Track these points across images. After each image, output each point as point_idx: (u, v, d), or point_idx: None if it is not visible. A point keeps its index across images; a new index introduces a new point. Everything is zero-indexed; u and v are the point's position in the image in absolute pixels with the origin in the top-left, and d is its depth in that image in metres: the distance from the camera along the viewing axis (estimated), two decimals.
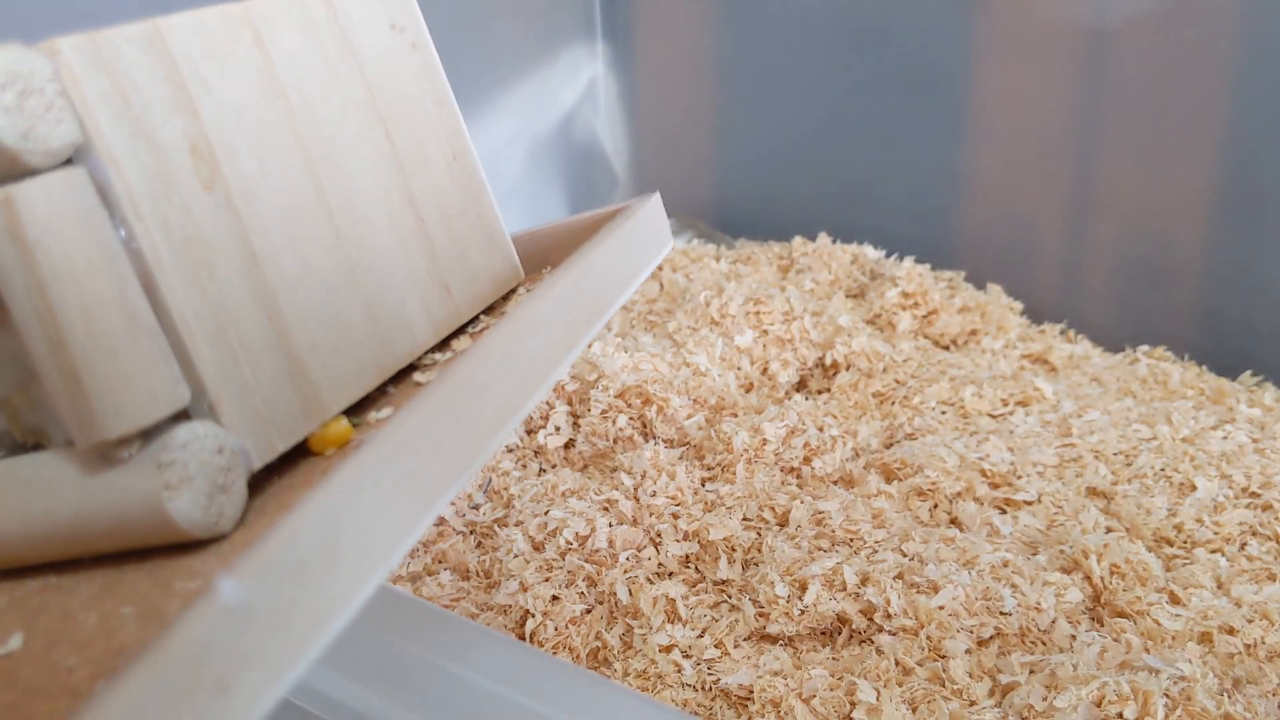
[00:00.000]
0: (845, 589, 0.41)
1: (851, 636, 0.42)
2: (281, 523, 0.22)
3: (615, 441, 0.53)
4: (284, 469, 0.28)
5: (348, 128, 0.32)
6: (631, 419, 0.53)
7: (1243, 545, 0.47)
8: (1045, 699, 0.36)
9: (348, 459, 0.24)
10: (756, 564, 0.45)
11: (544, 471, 0.54)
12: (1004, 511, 0.49)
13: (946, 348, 0.67)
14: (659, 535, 0.46)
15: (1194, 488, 0.50)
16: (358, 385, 0.30)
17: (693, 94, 0.85)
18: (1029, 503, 0.49)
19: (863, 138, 0.78)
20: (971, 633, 0.40)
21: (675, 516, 0.46)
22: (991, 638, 0.41)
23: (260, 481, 0.28)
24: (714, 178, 0.87)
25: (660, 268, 0.76)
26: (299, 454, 0.29)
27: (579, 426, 0.54)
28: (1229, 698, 0.36)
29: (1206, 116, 0.64)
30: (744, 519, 0.47)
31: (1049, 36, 0.68)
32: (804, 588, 0.42)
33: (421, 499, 0.25)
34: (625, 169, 0.90)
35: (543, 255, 0.41)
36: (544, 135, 0.85)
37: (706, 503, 0.48)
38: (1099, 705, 0.35)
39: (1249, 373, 0.63)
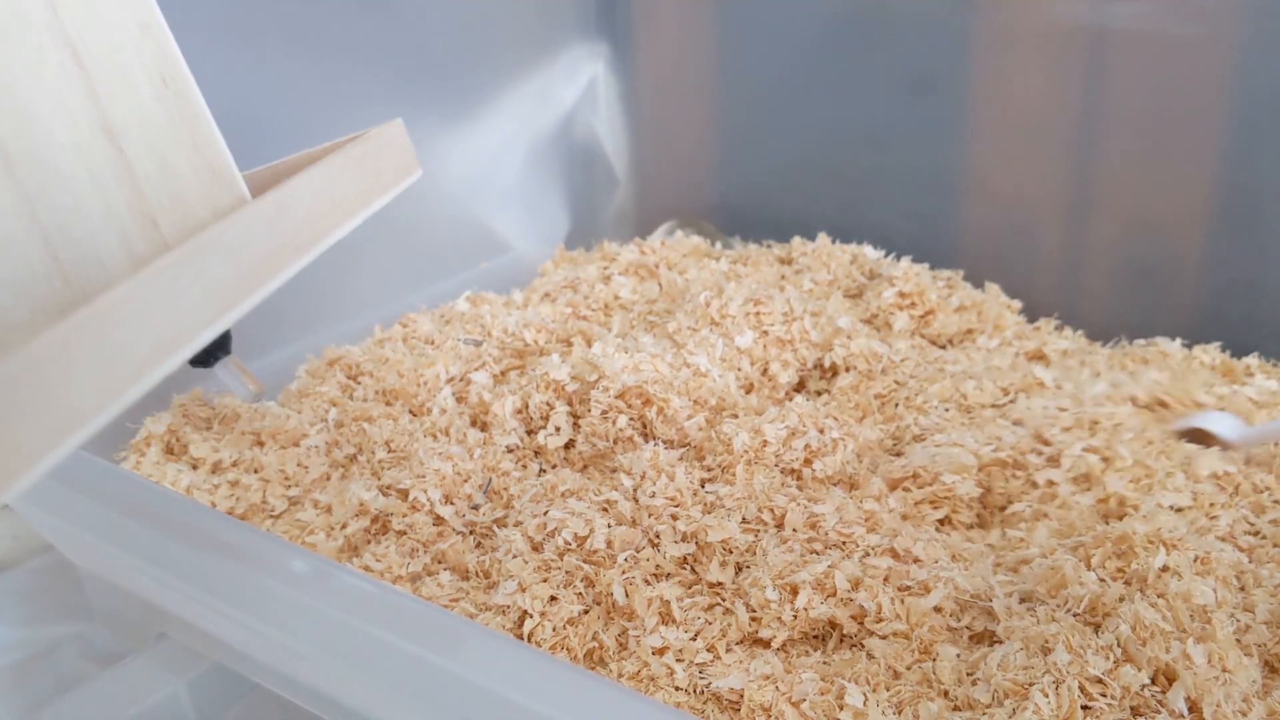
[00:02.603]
0: (835, 594, 0.42)
1: (842, 640, 0.42)
2: None
3: (615, 442, 0.53)
4: None
5: (24, 49, 0.29)
6: (632, 420, 0.53)
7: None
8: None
9: None
10: (749, 567, 0.45)
11: (544, 472, 0.54)
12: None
13: (943, 347, 0.67)
14: (657, 536, 0.46)
15: None
16: (29, 327, 0.28)
17: (693, 94, 0.85)
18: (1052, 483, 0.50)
19: (863, 137, 0.78)
20: (957, 632, 0.41)
21: (674, 518, 0.46)
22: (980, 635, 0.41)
23: None
24: (714, 178, 0.87)
25: (660, 267, 0.76)
26: None
27: (579, 427, 0.54)
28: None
29: (1206, 116, 0.64)
30: (743, 521, 0.47)
31: (1049, 36, 0.68)
32: (795, 592, 0.42)
33: (47, 436, 0.23)
34: (625, 169, 0.90)
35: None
36: (544, 135, 0.85)
37: (706, 504, 0.48)
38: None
39: (1255, 355, 0.63)
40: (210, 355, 0.52)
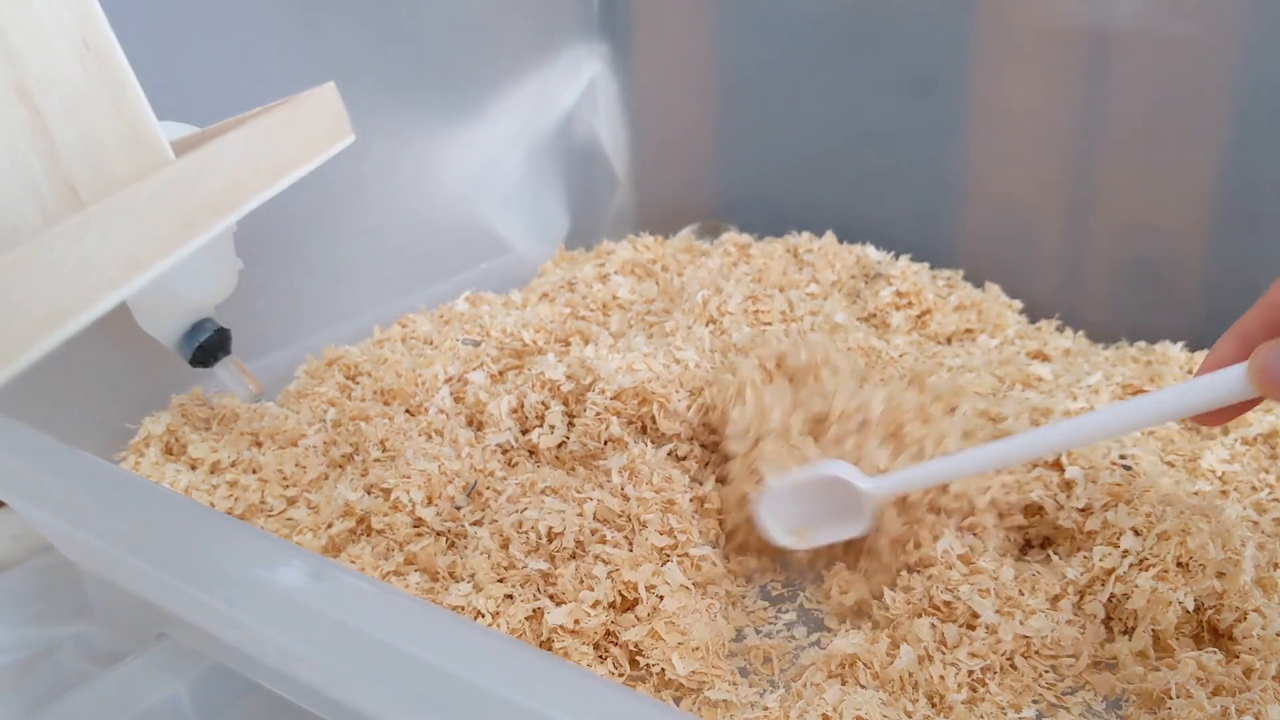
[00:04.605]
0: None
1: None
2: None
3: (606, 443, 0.53)
4: None
5: None
6: (630, 420, 0.53)
7: None
8: None
9: None
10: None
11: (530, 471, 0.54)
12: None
13: (942, 346, 0.67)
14: (634, 532, 0.46)
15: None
16: None
17: (693, 94, 0.85)
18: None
19: (863, 138, 0.78)
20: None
21: (657, 513, 0.47)
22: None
23: None
24: (714, 178, 0.87)
25: (656, 266, 0.76)
26: None
27: (574, 426, 0.54)
28: None
29: (1206, 116, 0.64)
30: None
31: (1049, 36, 0.68)
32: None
33: None
34: (625, 169, 0.90)
35: None
36: (544, 135, 0.85)
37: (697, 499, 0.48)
38: None
39: None
40: (211, 355, 0.52)
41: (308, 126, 0.35)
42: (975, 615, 0.42)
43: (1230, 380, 0.35)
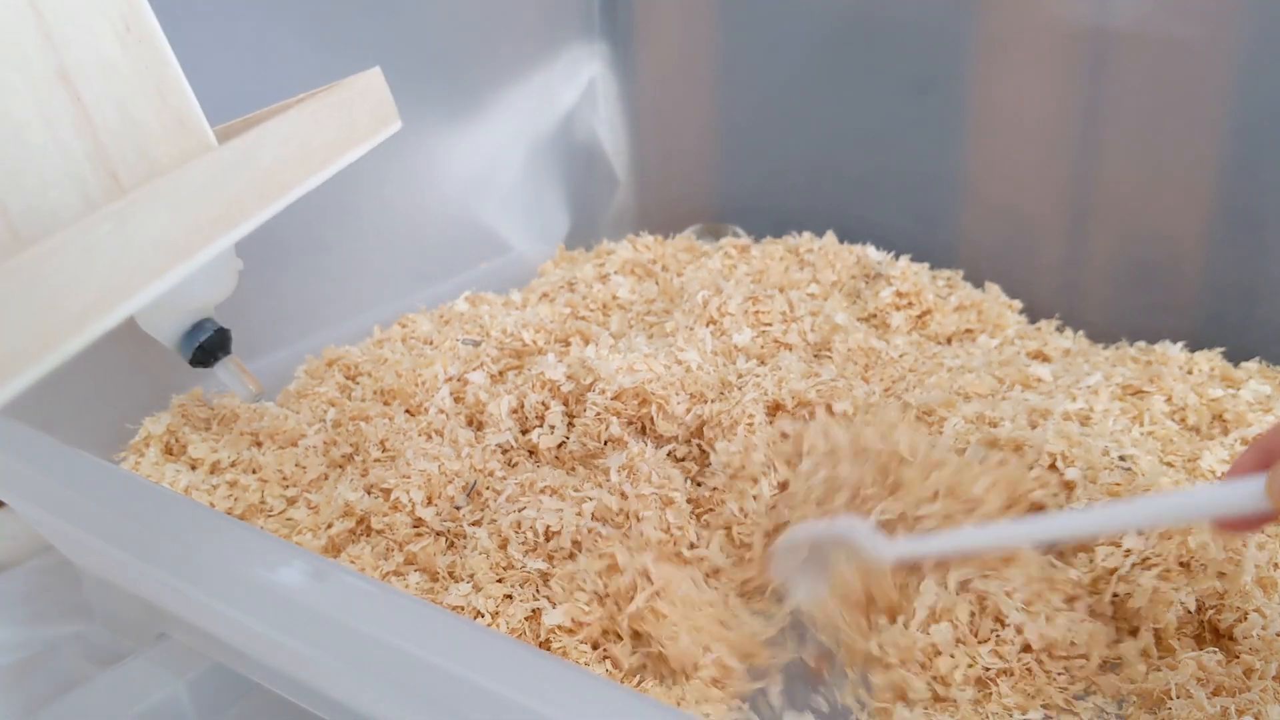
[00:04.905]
0: None
1: None
2: None
3: (606, 443, 0.53)
4: None
5: None
6: (630, 419, 0.53)
7: None
8: None
9: None
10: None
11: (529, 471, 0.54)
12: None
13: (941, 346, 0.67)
14: (628, 532, 0.46)
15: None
16: None
17: (693, 94, 0.85)
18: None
19: (863, 138, 0.78)
20: None
21: (655, 509, 0.47)
22: None
23: None
24: (713, 178, 0.87)
25: (656, 266, 0.76)
26: None
27: (573, 426, 0.54)
28: None
29: (1206, 116, 0.64)
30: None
31: (1049, 36, 0.68)
32: None
33: None
34: (625, 169, 0.90)
35: None
36: (544, 135, 0.85)
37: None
38: None
39: (1257, 359, 0.63)
40: (211, 355, 0.52)
41: (353, 112, 0.35)
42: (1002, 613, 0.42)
43: (1248, 491, 0.34)
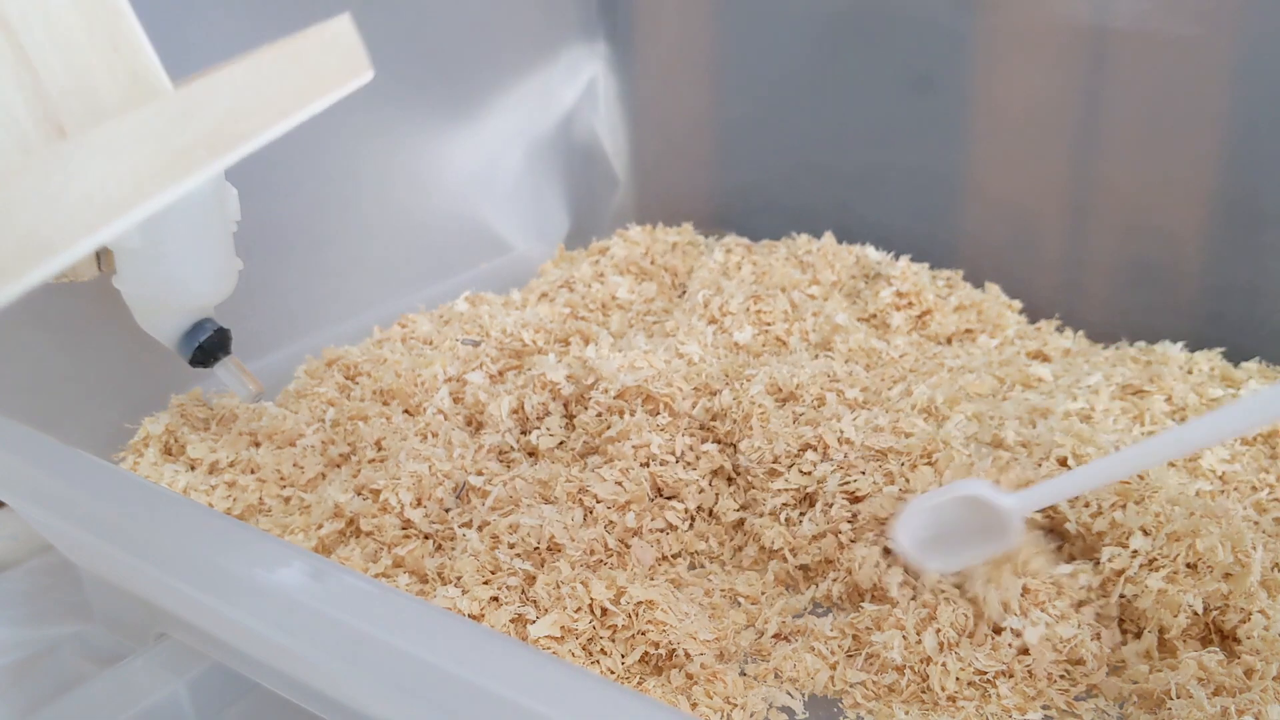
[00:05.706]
0: None
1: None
2: None
3: (607, 441, 0.53)
4: None
5: None
6: (632, 417, 0.53)
7: None
8: None
9: None
10: None
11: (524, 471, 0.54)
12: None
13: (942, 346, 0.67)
14: (610, 528, 0.46)
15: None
16: None
17: (693, 94, 0.85)
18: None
19: (863, 137, 0.78)
20: None
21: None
22: None
23: None
24: (713, 177, 0.87)
25: (647, 260, 0.76)
26: None
27: (574, 426, 0.54)
28: None
29: (1206, 115, 0.64)
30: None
31: (1049, 35, 0.68)
32: None
33: None
34: (625, 169, 0.90)
35: None
36: (544, 135, 0.85)
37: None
38: None
39: (1256, 359, 0.63)
40: (211, 355, 0.52)
41: (319, 61, 0.33)
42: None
43: None
